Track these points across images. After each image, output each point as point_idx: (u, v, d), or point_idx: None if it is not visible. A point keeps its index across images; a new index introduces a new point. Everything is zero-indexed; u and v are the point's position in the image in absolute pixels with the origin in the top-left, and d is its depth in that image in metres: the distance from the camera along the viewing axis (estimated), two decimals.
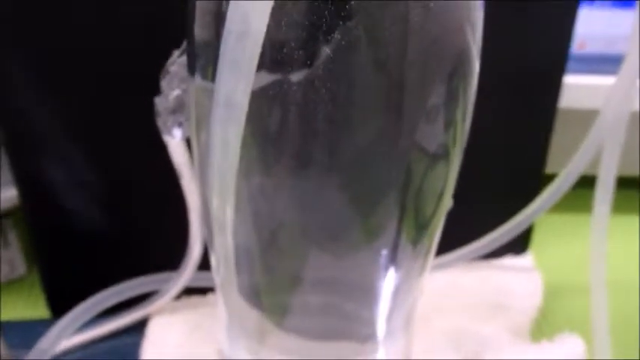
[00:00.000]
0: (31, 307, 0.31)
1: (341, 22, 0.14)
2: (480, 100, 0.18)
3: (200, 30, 0.15)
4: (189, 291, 0.30)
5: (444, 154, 0.17)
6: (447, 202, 0.19)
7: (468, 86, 0.16)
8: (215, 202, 0.14)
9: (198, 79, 0.15)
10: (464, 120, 0.17)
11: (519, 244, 0.34)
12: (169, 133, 0.20)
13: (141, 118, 0.22)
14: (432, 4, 0.14)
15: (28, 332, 0.27)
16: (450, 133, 0.17)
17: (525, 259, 0.34)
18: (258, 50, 0.12)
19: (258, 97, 0.14)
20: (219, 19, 0.13)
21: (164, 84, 0.18)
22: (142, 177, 0.27)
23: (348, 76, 0.15)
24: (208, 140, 0.13)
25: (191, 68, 0.16)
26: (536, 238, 0.35)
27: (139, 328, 0.29)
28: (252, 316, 0.20)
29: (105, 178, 0.27)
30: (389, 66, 0.14)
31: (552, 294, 0.32)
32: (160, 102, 0.19)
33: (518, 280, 0.32)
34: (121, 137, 0.26)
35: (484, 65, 0.17)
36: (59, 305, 0.29)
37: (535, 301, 0.31)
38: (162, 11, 0.23)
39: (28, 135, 0.26)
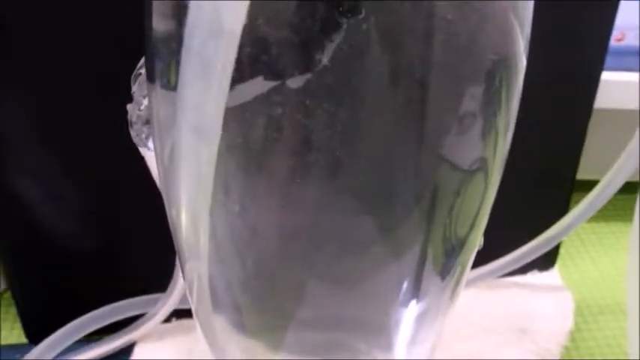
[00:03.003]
0: (7, 327, 0.29)
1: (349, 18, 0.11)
2: None
3: (159, 26, 0.12)
4: (180, 313, 0.28)
5: (481, 169, 0.15)
6: (482, 228, 0.17)
7: (512, 88, 0.14)
8: (185, 224, 0.12)
9: (158, 87, 0.12)
10: (506, 129, 0.15)
11: (545, 259, 0.31)
12: (144, 144, 0.17)
13: (121, 123, 0.19)
14: None
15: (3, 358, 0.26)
16: (489, 145, 0.15)
17: (552, 276, 0.32)
18: (234, 53, 0.09)
19: (251, 105, 0.12)
20: (182, 11, 0.11)
21: (135, 89, 0.16)
22: (124, 189, 0.25)
23: (358, 80, 0.12)
24: (174, 156, 0.11)
25: (150, 73, 0.13)
26: (562, 250, 0.32)
27: (123, 355, 0.28)
28: (235, 347, 0.18)
29: (82, 191, 0.25)
30: (410, 68, 0.12)
31: (582, 315, 0.30)
32: (132, 110, 0.16)
33: (545, 301, 0.30)
34: (98, 145, 0.24)
35: None
36: (35, 331, 0.28)
37: (565, 324, 0.29)
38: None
39: None
